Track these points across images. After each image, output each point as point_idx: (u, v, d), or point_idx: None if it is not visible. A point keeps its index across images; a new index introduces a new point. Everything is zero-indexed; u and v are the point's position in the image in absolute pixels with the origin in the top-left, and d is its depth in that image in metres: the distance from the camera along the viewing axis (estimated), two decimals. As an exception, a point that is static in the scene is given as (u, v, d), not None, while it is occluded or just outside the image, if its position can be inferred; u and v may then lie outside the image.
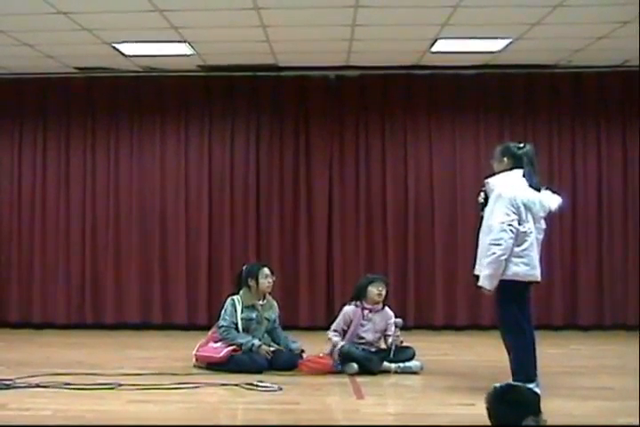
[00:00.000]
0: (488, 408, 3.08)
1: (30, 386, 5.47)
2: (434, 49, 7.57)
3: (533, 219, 5.22)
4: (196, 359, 6.37)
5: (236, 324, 6.30)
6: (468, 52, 7.73)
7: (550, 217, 5.54)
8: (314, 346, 6.50)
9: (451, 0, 6.01)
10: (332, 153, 8.64)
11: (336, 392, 5.60)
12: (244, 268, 6.56)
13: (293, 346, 6.40)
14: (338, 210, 8.60)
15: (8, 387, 5.44)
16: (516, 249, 5.13)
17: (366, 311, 6.33)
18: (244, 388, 5.51)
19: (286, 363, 6.19)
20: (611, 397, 5.25)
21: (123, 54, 7.69)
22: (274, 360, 6.19)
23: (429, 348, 6.95)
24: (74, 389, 5.42)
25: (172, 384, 5.56)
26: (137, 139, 8.72)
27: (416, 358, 6.25)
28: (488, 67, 8.37)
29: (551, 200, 5.32)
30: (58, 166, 8.72)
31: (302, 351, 6.37)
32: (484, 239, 5.25)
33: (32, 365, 6.29)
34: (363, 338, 6.30)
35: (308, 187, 8.62)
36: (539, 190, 5.27)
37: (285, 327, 6.77)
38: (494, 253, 5.09)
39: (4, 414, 4.76)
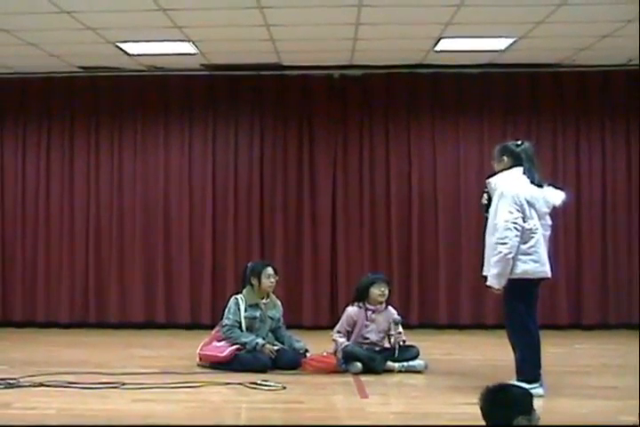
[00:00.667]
0: (481, 408, 3.08)
1: (34, 385, 5.48)
2: (438, 48, 7.56)
3: (538, 215, 5.21)
4: (200, 358, 6.36)
5: (240, 323, 6.29)
6: (471, 51, 7.72)
7: (555, 216, 5.53)
8: (317, 346, 6.49)
9: (454, -1, 6.01)
10: (336, 152, 8.64)
11: (340, 391, 5.60)
12: (248, 266, 6.54)
13: (297, 345, 6.39)
14: (341, 209, 8.58)
15: (12, 386, 5.45)
16: (524, 247, 5.13)
17: (369, 312, 6.30)
18: (247, 387, 5.51)
19: (290, 362, 6.18)
20: (615, 396, 5.24)
21: (127, 53, 7.69)
22: (278, 359, 6.17)
23: (433, 347, 6.95)
24: (78, 388, 5.43)
25: (175, 383, 5.56)
26: (141, 137, 8.72)
27: (420, 357, 6.24)
28: (492, 66, 8.35)
29: (555, 196, 5.31)
30: (62, 165, 8.72)
31: (306, 351, 6.36)
32: (490, 239, 5.24)
33: (36, 364, 6.30)
34: (367, 338, 6.28)
35: (311, 186, 8.61)
36: (541, 186, 5.27)
37: (289, 327, 6.76)
38: (501, 252, 5.09)
39: (9, 412, 4.77)
